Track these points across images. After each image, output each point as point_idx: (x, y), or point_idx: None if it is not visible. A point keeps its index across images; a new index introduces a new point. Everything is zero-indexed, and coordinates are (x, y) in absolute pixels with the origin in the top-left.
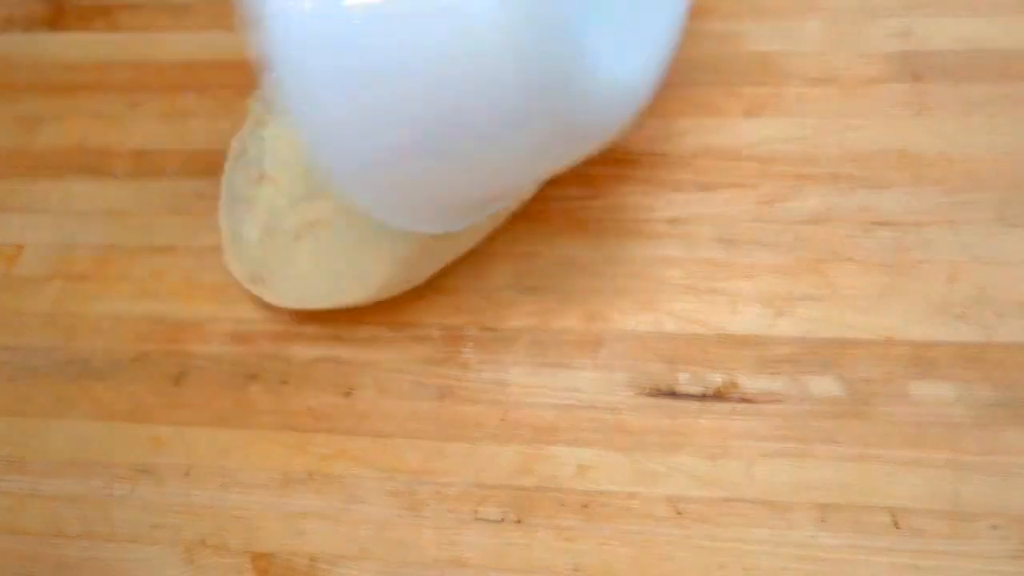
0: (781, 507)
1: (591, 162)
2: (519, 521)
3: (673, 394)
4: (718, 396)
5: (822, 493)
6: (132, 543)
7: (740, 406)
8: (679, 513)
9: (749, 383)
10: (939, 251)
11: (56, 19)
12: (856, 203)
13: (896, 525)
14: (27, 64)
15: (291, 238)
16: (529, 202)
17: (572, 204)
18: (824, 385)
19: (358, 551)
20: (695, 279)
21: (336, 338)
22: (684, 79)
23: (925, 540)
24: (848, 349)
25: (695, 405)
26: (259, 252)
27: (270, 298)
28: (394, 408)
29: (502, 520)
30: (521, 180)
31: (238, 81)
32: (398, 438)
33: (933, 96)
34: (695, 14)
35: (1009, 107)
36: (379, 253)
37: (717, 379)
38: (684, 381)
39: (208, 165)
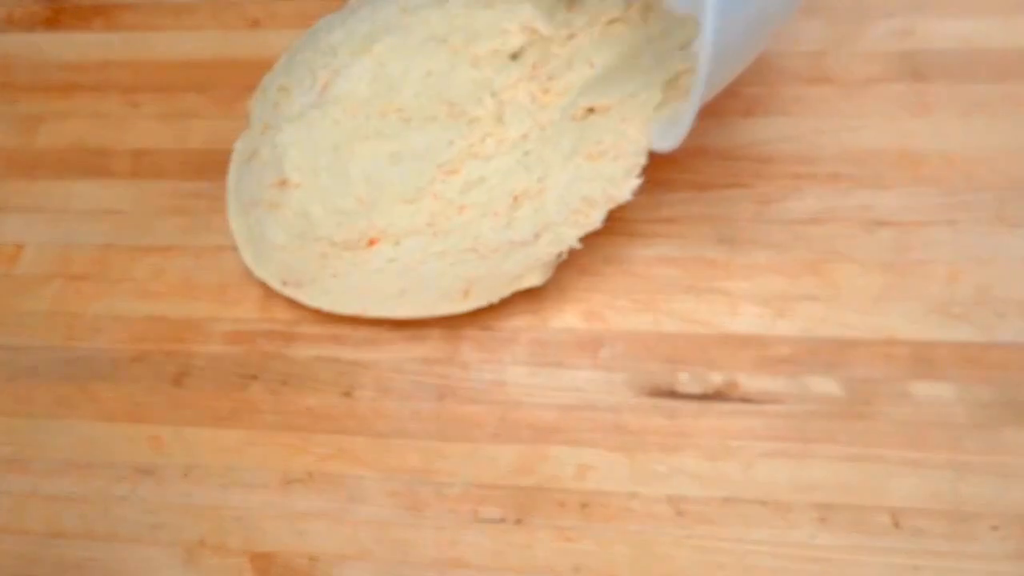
0: (781, 507)
1: None
2: (519, 521)
3: (673, 394)
4: (718, 396)
5: (822, 493)
6: (132, 543)
7: (740, 406)
8: (679, 513)
9: (749, 383)
10: (939, 251)
11: (55, 19)
12: (856, 203)
13: (896, 525)
14: (27, 64)
15: (341, 248)
16: None
17: None
18: (824, 385)
19: (358, 551)
20: (694, 279)
21: (336, 338)
22: None
23: (925, 540)
24: (848, 349)
25: (695, 405)
26: (289, 256)
27: (311, 301)
28: (394, 408)
29: (502, 520)
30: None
31: (238, 81)
32: (398, 438)
33: (933, 96)
34: None
35: (1009, 107)
36: (446, 271)
37: (717, 379)
38: (684, 381)
39: (208, 165)
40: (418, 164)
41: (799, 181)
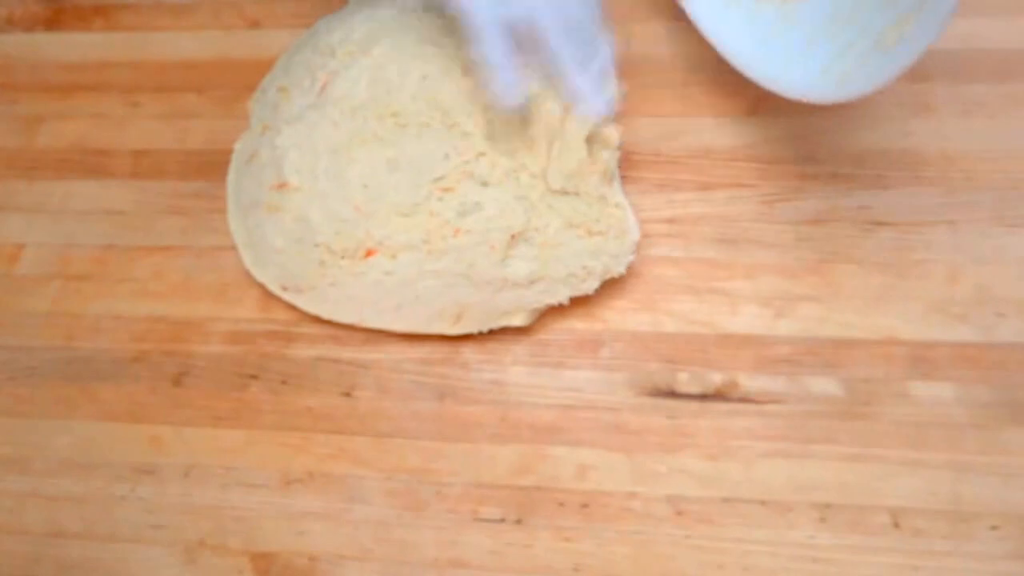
0: (781, 507)
1: None
2: (519, 521)
3: (673, 394)
4: (718, 396)
5: (822, 493)
6: (132, 543)
7: (740, 406)
8: (679, 513)
9: (749, 383)
10: (939, 251)
11: (55, 19)
12: (856, 203)
13: (896, 525)
14: (27, 64)
15: (339, 256)
16: None
17: None
18: (824, 385)
19: (358, 551)
20: (695, 279)
21: (336, 338)
22: (684, 78)
23: (925, 540)
24: (848, 349)
25: (695, 405)
26: (288, 261)
27: (310, 308)
28: (394, 408)
29: (502, 520)
30: None
31: (238, 81)
32: (398, 438)
33: (933, 95)
34: None
35: (1009, 107)
36: (441, 292)
37: (717, 379)
38: (684, 381)
39: (208, 166)
40: (414, 175)
41: (802, 181)
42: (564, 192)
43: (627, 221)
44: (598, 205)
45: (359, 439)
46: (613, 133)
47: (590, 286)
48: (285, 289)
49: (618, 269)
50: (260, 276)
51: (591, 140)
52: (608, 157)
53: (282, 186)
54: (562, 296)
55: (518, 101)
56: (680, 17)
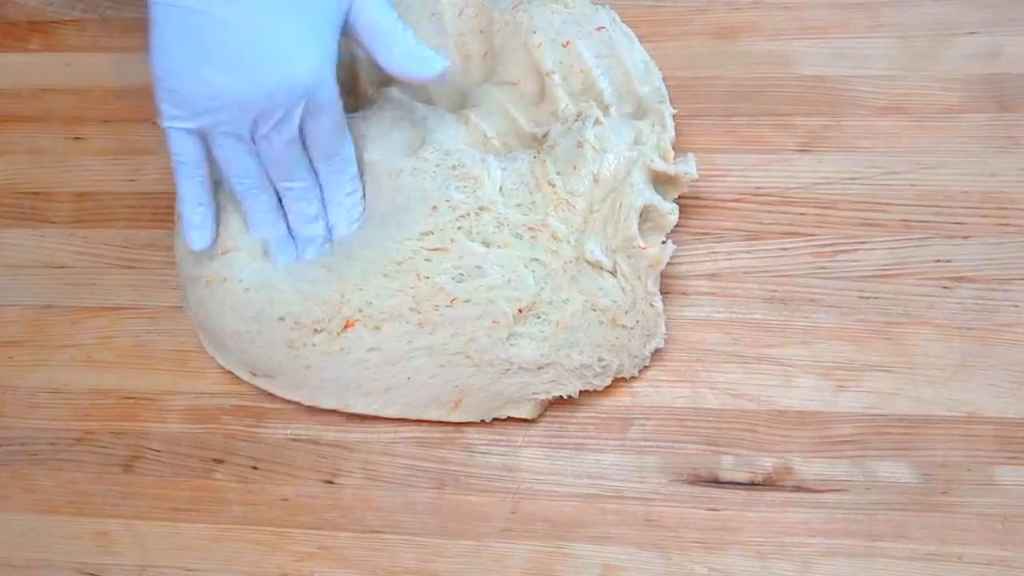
0: None
1: None
2: None
3: (715, 481)
4: (768, 484)
5: None
6: None
7: (795, 496)
8: None
9: (805, 469)
10: None
11: None
12: (931, 255)
13: None
14: None
15: (310, 331)
16: None
17: None
18: (894, 471)
19: None
20: (741, 345)
21: (316, 415)
22: (726, 108)
23: None
24: (922, 428)
25: (741, 494)
26: (248, 345)
27: (284, 394)
28: (385, 498)
29: None
30: None
31: None
32: (389, 534)
33: (1021, 128)
34: (739, 32)
35: None
36: (437, 373)
37: (767, 464)
38: (728, 466)
39: (163, 211)
40: (393, 228)
41: (866, 229)
42: (598, 267)
43: (659, 325)
44: (634, 294)
45: (343, 535)
46: (673, 213)
47: (602, 382)
48: (254, 375)
49: (631, 371)
50: (223, 361)
51: (644, 214)
52: (667, 250)
53: (225, 253)
54: (572, 389)
55: (205, 245)
56: (722, 35)
